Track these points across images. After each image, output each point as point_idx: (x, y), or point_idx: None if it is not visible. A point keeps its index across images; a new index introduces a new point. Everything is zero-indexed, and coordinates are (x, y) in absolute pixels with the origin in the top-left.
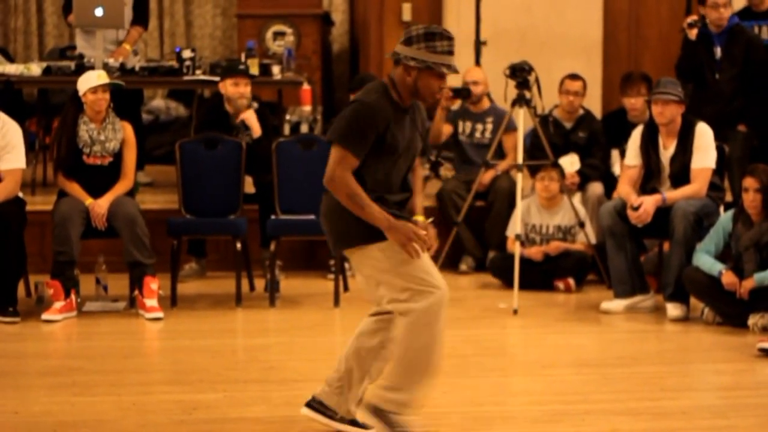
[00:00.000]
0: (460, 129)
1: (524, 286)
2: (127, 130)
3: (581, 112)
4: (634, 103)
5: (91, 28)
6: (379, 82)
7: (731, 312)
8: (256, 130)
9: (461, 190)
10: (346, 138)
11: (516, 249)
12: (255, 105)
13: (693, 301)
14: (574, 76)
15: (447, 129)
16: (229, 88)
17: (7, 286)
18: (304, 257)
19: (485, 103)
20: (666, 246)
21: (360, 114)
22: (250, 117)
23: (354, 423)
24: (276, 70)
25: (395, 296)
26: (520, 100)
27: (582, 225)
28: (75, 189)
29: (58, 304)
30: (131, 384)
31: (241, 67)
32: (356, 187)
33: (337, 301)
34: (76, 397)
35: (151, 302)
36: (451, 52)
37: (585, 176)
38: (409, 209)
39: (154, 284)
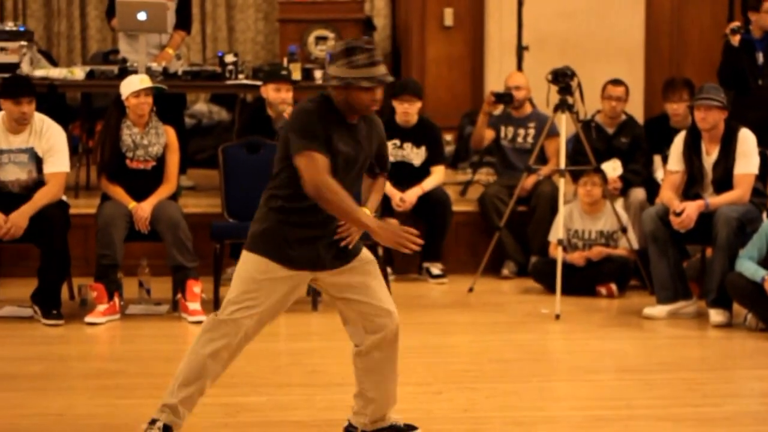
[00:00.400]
0: (502, 134)
1: (566, 291)
2: (169, 134)
3: (624, 117)
4: (676, 108)
5: (135, 33)
6: (319, 94)
7: None
8: None
9: (503, 195)
10: (301, 141)
11: (558, 254)
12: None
13: (736, 307)
14: (616, 82)
15: (489, 134)
16: (270, 93)
17: (51, 289)
18: None
19: (527, 108)
20: (708, 252)
21: (300, 116)
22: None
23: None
24: (318, 74)
25: (227, 297)
26: (563, 105)
27: (624, 230)
28: (118, 193)
29: (102, 307)
30: None
31: (283, 72)
32: (341, 190)
33: None
34: (120, 400)
35: (194, 305)
36: (372, 63)
37: (627, 182)
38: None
39: (196, 287)
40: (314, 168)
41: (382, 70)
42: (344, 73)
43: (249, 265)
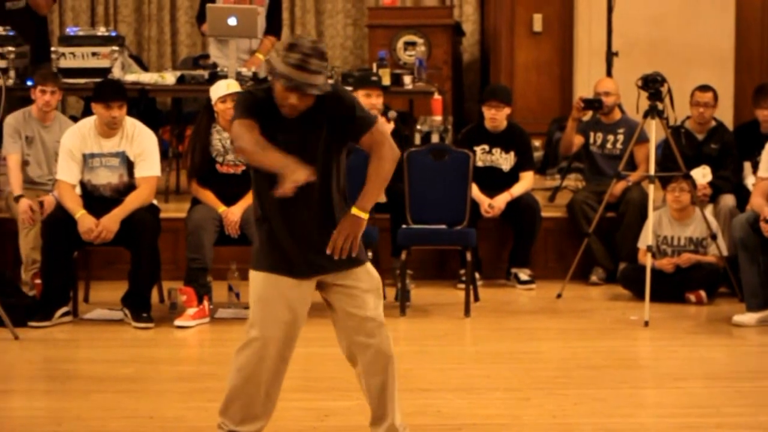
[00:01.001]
0: (591, 140)
1: (655, 298)
2: None
3: (713, 123)
4: (767, 114)
5: (225, 38)
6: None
7: None
8: None
9: (592, 201)
10: (234, 116)
11: (647, 261)
12: (394, 114)
13: None
14: (704, 88)
15: (578, 140)
16: (361, 98)
17: (142, 293)
18: (435, 266)
19: (617, 114)
20: None
21: (239, 99)
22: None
23: None
24: (407, 80)
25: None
26: (653, 111)
27: (714, 237)
28: (208, 197)
29: (191, 311)
30: None
31: (374, 78)
32: (251, 135)
33: (467, 311)
34: (209, 403)
35: None
36: (299, 67)
37: (717, 188)
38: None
39: None
40: (236, 128)
41: (304, 76)
42: (277, 64)
43: (255, 283)
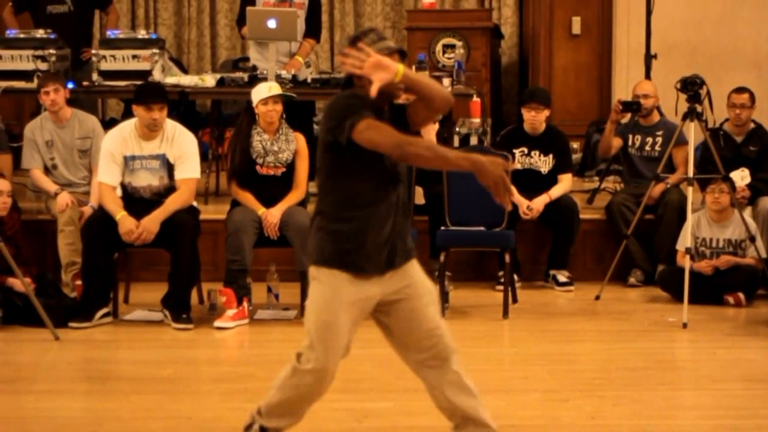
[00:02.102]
0: (630, 142)
1: (694, 300)
2: (299, 141)
3: (752, 125)
4: None
5: (264, 41)
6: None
7: None
8: (430, 139)
9: (630, 203)
10: (351, 117)
11: (686, 263)
12: (439, 115)
13: None
14: (740, 89)
15: (617, 142)
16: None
17: (181, 294)
18: (473, 268)
19: (655, 117)
20: None
21: (347, 101)
22: (430, 128)
23: None
24: (446, 82)
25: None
26: (691, 114)
27: (753, 239)
28: (248, 199)
29: (231, 312)
30: None
31: None
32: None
33: (506, 312)
34: (249, 404)
35: None
36: (380, 39)
37: (756, 190)
38: None
39: None
40: (381, 131)
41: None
42: (381, 47)
43: (321, 288)
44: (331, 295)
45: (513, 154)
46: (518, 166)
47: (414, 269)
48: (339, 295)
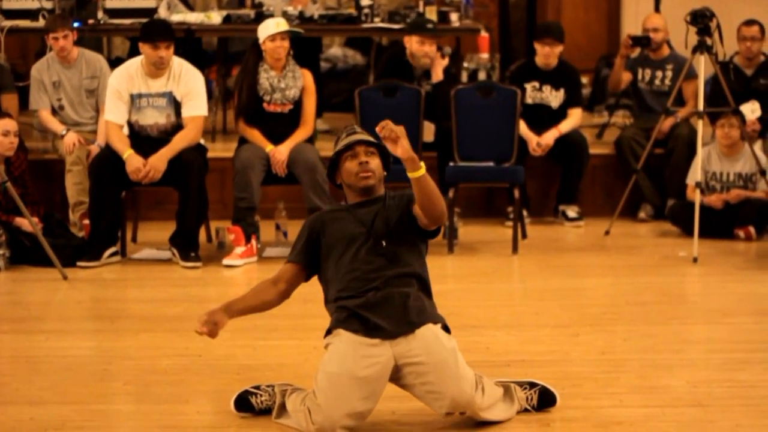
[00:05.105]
0: (640, 76)
1: (704, 234)
2: (306, 78)
3: (762, 58)
4: None
5: None
6: None
7: None
8: (438, 75)
9: (640, 138)
10: None
11: (696, 197)
12: (448, 49)
13: None
14: (750, 22)
15: (626, 77)
16: (414, 44)
17: (189, 232)
18: (482, 204)
19: (665, 51)
20: None
21: None
22: (438, 62)
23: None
24: (454, 17)
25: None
26: (701, 47)
27: (763, 173)
28: (256, 136)
29: (239, 250)
30: (312, 329)
31: (429, 26)
32: None
33: (515, 248)
34: (258, 341)
35: None
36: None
37: (766, 123)
38: None
39: None
40: None
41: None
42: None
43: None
44: None
45: (524, 89)
46: (528, 100)
47: None
48: None
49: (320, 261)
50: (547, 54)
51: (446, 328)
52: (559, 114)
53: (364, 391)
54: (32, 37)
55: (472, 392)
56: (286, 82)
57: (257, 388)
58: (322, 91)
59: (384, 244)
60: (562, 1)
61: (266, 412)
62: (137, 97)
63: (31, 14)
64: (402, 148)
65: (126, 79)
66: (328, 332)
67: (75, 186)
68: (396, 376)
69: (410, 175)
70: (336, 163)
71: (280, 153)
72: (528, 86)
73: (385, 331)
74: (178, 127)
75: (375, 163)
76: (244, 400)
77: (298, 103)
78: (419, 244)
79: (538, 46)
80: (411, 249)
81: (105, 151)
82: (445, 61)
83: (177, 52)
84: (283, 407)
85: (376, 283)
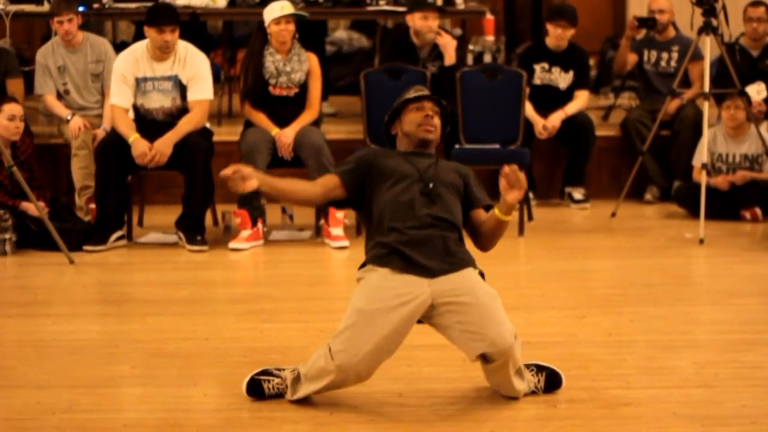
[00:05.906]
0: (645, 58)
1: (710, 215)
2: (312, 61)
3: None
4: None
5: None
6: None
7: None
8: (451, 57)
9: (646, 119)
10: None
11: (702, 178)
12: (459, 32)
13: None
14: (756, 3)
15: (632, 58)
16: (417, 21)
17: (195, 216)
18: (488, 186)
19: (671, 32)
20: None
21: None
22: (450, 44)
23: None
24: (459, 0)
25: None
26: (707, 28)
27: None
28: (261, 119)
29: (245, 233)
30: (318, 311)
31: (430, 0)
32: None
33: (521, 230)
34: (264, 324)
35: (337, 231)
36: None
37: None
38: None
39: (339, 213)
40: None
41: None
42: None
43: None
44: None
45: (533, 69)
46: (537, 81)
47: None
48: None
49: (365, 192)
50: (559, 36)
51: (483, 277)
52: (566, 95)
53: (392, 328)
54: (37, 22)
55: (512, 340)
56: (292, 66)
57: (270, 373)
58: (328, 75)
59: (432, 186)
60: None
61: (275, 397)
62: (142, 81)
63: None
64: (516, 197)
65: (131, 62)
66: (363, 266)
67: (81, 170)
68: (429, 314)
69: (502, 217)
70: (398, 112)
71: (286, 136)
72: (537, 67)
73: (426, 268)
74: (183, 110)
75: (438, 121)
76: (257, 384)
77: (303, 87)
78: (460, 207)
79: (550, 27)
80: (456, 204)
81: (111, 135)
82: (455, 43)
83: (182, 36)
84: (297, 379)
85: (421, 221)
